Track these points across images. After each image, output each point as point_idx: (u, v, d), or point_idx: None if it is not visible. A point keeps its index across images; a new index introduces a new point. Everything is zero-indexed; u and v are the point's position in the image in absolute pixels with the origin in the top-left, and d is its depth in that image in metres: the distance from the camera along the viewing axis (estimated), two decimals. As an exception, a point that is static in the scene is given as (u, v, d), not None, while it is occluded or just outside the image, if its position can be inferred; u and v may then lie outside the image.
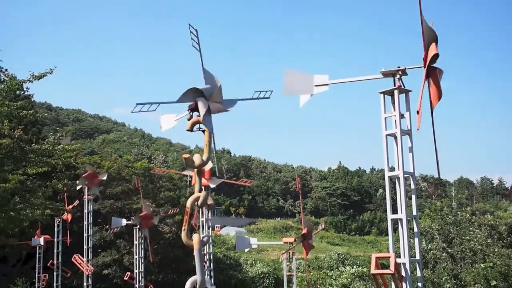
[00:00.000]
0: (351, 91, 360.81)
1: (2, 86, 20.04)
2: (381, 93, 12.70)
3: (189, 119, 11.87)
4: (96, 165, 56.08)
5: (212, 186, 24.02)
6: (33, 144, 21.34)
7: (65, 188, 35.45)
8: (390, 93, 12.62)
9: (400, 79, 12.43)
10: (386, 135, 12.66)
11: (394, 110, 12.51)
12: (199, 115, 11.78)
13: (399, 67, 12.43)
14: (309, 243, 29.02)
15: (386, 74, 12.47)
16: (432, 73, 11.88)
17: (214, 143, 11.43)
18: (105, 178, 38.35)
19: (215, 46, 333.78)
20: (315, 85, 12.56)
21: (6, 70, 20.15)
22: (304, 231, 28.76)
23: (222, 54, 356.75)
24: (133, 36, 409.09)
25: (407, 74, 12.49)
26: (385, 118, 12.72)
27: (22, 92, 52.82)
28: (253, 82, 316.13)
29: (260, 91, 12.52)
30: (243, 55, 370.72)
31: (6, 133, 19.13)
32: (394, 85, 12.46)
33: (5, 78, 20.04)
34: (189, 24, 10.59)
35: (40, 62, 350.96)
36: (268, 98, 12.84)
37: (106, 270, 55.08)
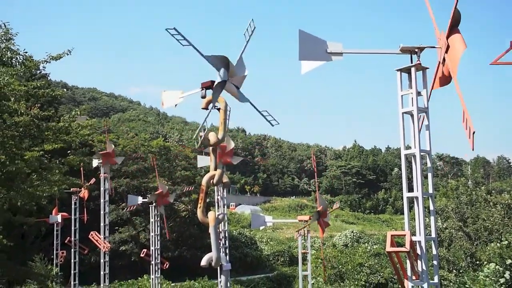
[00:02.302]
0: (367, 69, 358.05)
1: (19, 67, 20.14)
2: (398, 70, 12.54)
3: (203, 97, 11.83)
4: (112, 143, 56.49)
5: (235, 163, 24.26)
6: (49, 122, 21.48)
7: (81, 164, 35.71)
8: (407, 70, 12.45)
9: (419, 56, 12.26)
10: (403, 113, 12.53)
11: (411, 87, 12.36)
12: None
13: (415, 46, 12.28)
14: (325, 221, 29.05)
15: (404, 50, 12.29)
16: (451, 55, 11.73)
17: (209, 113, 11.48)
18: (120, 162, 38.53)
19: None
20: (328, 52, 12.21)
21: (26, 52, 20.16)
22: (320, 208, 28.75)
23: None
24: (150, 16, 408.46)
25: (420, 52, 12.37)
26: (402, 95, 12.58)
27: (39, 71, 53.10)
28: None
29: (271, 115, 12.57)
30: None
31: (22, 111, 19.27)
32: (411, 62, 12.30)
33: (23, 60, 20.10)
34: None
35: (56, 40, 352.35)
36: (272, 126, 12.86)
37: (123, 247, 55.83)
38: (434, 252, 12.45)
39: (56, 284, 38.84)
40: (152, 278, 33.61)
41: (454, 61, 11.44)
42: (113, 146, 38.57)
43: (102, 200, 35.92)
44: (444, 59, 11.83)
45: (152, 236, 33.52)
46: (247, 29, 11.61)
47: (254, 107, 12.20)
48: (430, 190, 12.42)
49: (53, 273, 37.36)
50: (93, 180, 39.78)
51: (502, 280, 28.35)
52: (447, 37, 11.81)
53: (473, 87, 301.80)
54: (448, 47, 11.69)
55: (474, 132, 10.49)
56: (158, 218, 34.07)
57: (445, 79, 12.19)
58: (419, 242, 12.02)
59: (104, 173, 36.24)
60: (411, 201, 12.49)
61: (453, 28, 11.71)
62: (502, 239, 32.00)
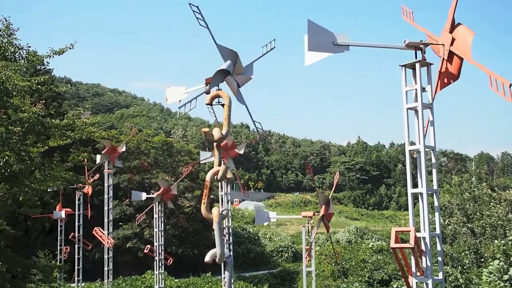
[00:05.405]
0: (371, 64, 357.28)
1: (23, 62, 20.05)
2: (402, 66, 12.46)
3: (207, 93, 11.83)
4: (114, 139, 56.50)
5: (241, 152, 24.29)
6: (53, 120, 21.39)
7: (85, 160, 35.69)
8: (412, 66, 12.38)
9: (424, 52, 12.19)
10: (407, 109, 12.47)
11: (416, 83, 12.30)
12: (218, 89, 11.75)
13: (421, 41, 12.23)
14: (329, 214, 28.80)
15: (409, 46, 12.21)
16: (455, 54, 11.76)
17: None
18: (124, 149, 38.34)
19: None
20: (335, 44, 11.91)
21: (29, 46, 20.07)
22: (322, 211, 28.44)
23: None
24: (154, 11, 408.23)
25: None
26: (406, 91, 12.51)
27: (43, 67, 53.12)
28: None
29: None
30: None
31: (26, 108, 19.19)
32: (416, 58, 12.23)
33: (26, 55, 20.01)
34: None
35: (60, 36, 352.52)
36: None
37: (127, 243, 55.88)
38: (439, 248, 12.41)
39: (61, 276, 38.87)
40: (156, 274, 33.62)
41: (465, 46, 11.42)
42: (110, 141, 38.47)
43: (105, 196, 35.93)
44: (449, 53, 11.83)
45: (156, 232, 33.51)
46: (266, 45, 11.83)
47: (249, 112, 12.26)
48: (435, 186, 12.37)
49: (58, 264, 37.30)
50: (96, 176, 39.77)
51: (506, 277, 28.29)
52: (450, 32, 11.78)
53: (476, 82, 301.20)
54: (453, 40, 11.67)
55: (510, 85, 10.47)
56: (162, 214, 34.05)
57: (450, 76, 12.15)
58: (424, 238, 11.98)
59: (108, 169, 36.24)
60: (414, 197, 12.44)
61: (455, 24, 11.72)
62: (507, 235, 31.96)
